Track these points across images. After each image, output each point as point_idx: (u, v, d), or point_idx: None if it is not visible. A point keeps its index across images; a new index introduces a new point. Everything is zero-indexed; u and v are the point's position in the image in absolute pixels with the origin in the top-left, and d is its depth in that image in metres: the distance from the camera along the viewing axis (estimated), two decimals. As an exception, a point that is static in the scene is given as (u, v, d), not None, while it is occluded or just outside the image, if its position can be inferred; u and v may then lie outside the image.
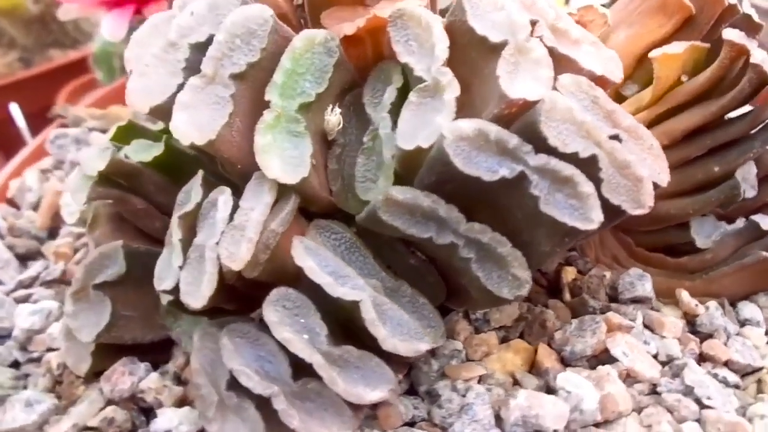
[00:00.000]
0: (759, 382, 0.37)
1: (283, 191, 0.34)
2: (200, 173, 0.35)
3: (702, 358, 0.38)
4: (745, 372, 0.38)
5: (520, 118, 0.33)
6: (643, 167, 0.34)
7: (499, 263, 0.34)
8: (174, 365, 0.39)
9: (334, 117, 0.36)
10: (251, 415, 0.32)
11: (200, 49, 0.36)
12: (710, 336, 0.39)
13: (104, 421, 0.37)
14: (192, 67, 0.35)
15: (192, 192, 0.35)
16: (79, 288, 0.38)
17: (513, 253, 0.33)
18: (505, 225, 0.34)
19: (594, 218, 0.32)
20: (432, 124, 0.32)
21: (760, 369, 0.37)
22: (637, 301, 0.40)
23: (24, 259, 0.50)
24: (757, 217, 0.40)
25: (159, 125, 0.46)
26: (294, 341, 0.31)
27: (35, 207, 0.54)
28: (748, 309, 0.41)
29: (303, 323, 0.32)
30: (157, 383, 0.38)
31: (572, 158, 0.32)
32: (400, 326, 0.33)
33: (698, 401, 0.35)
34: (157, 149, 0.39)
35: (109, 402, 0.38)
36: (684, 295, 0.40)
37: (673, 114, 0.39)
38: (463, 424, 0.34)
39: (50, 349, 0.42)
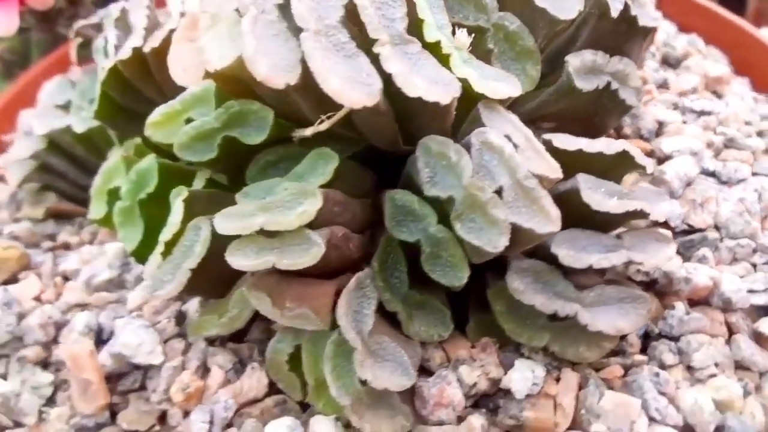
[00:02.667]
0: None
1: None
2: (448, 142, 0.33)
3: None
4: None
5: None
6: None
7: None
8: (451, 353, 0.37)
9: (464, 37, 0.37)
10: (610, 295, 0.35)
11: (346, 22, 0.32)
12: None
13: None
14: (360, 43, 0.31)
15: (461, 162, 0.32)
16: (361, 350, 0.32)
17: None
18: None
19: (656, 16, 0.43)
20: (570, -3, 0.37)
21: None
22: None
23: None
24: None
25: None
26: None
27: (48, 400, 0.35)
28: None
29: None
30: (476, 369, 0.35)
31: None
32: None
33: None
34: (330, 162, 0.33)
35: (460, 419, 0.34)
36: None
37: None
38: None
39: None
